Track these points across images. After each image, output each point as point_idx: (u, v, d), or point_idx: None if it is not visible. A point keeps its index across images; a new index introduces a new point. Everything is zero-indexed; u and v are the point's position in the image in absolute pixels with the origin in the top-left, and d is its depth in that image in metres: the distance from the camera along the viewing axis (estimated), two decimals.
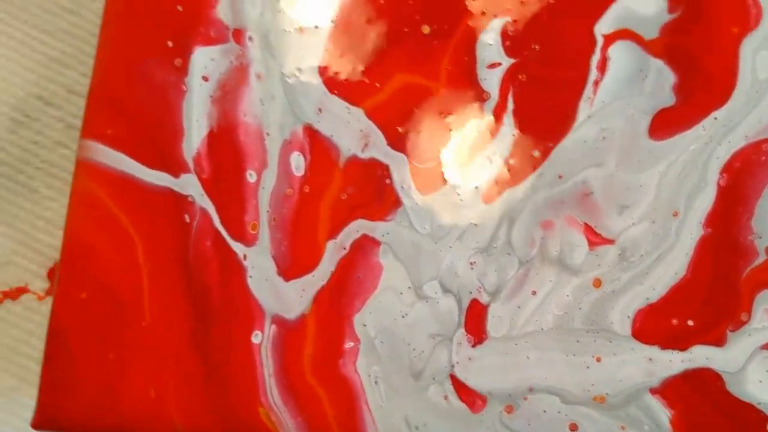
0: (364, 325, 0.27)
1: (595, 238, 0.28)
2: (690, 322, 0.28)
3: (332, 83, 0.28)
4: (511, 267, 0.28)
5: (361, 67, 0.28)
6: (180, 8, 0.28)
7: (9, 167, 0.32)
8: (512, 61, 0.29)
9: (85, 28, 0.33)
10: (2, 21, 0.32)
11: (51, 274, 0.32)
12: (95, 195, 0.27)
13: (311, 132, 0.28)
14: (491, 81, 0.29)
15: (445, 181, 0.28)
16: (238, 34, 0.28)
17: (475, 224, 0.28)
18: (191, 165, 0.27)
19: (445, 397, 0.27)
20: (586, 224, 0.28)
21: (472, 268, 0.28)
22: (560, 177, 0.29)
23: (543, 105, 0.29)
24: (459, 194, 0.28)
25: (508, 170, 0.28)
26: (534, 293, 0.28)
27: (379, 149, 0.28)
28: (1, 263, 0.32)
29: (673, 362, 0.28)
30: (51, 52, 0.32)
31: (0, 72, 0.32)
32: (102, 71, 0.27)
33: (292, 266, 0.27)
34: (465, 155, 0.28)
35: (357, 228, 0.28)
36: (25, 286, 0.32)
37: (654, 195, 0.29)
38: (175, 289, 0.27)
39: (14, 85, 0.32)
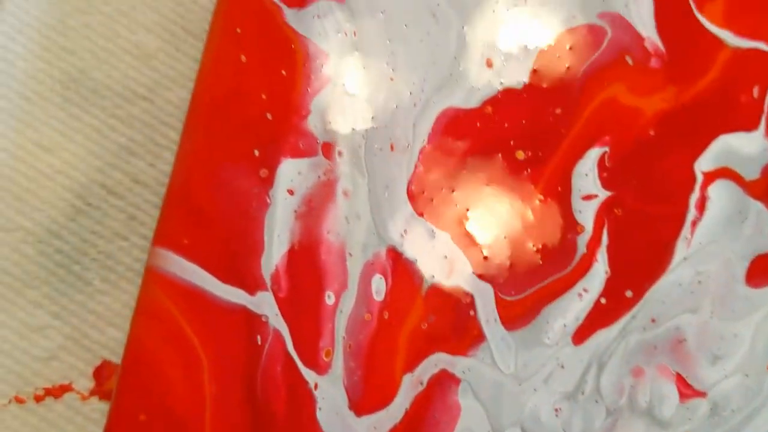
0: None
1: (686, 390, 0.27)
2: None
3: (420, 204, 0.27)
4: (599, 416, 0.26)
5: (451, 190, 0.27)
6: (269, 116, 0.26)
7: (65, 256, 0.30)
8: (608, 193, 0.28)
9: (157, 116, 0.31)
10: (77, 105, 0.31)
11: (97, 373, 0.30)
12: (163, 307, 0.25)
13: (395, 255, 0.27)
14: (586, 213, 0.27)
15: (532, 316, 0.27)
16: (328, 148, 0.27)
17: (562, 366, 0.26)
18: (268, 282, 0.26)
19: None
20: (678, 374, 0.27)
21: (557, 415, 0.26)
22: (653, 321, 0.27)
23: (638, 242, 0.27)
24: (546, 332, 0.27)
25: (600, 310, 0.27)
26: None
27: (465, 277, 0.27)
28: (45, 358, 0.30)
29: None
30: (120, 139, 0.31)
31: (66, 156, 0.31)
32: (181, 175, 0.26)
33: (364, 400, 0.26)
34: (555, 290, 0.27)
35: (436, 362, 0.26)
36: (69, 384, 0.30)
37: (749, 346, 0.27)
38: (239, 417, 0.25)
39: (78, 171, 0.31)
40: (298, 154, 0.26)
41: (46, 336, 0.30)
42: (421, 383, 0.26)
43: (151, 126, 0.32)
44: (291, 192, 0.26)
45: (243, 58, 0.27)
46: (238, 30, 0.27)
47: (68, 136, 0.31)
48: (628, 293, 0.27)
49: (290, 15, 0.27)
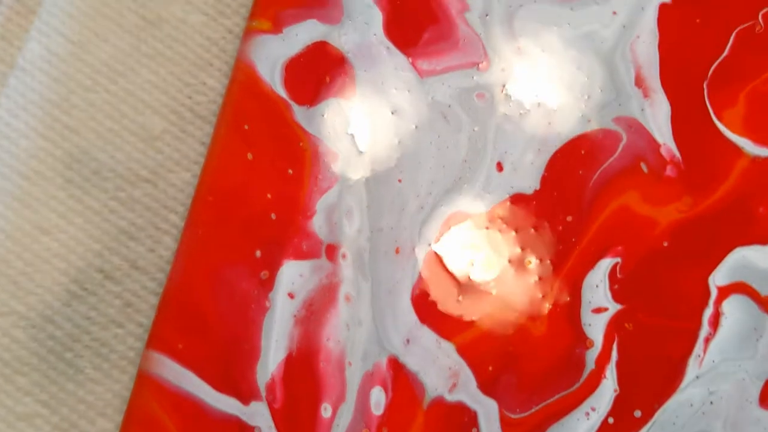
0: None
1: None
2: None
3: (424, 312, 0.26)
4: None
5: (457, 298, 0.27)
6: (274, 216, 0.26)
7: (57, 343, 0.30)
8: (619, 306, 0.27)
9: (159, 199, 0.31)
10: (78, 186, 0.31)
11: None
12: (154, 414, 0.25)
13: (396, 365, 0.26)
14: (596, 327, 0.27)
15: None
16: (332, 250, 0.26)
17: None
18: (263, 392, 0.25)
19: None
20: None
21: None
22: None
23: (649, 359, 0.27)
24: None
25: (607, 430, 0.26)
26: None
27: (468, 392, 0.26)
28: None
29: None
30: (120, 222, 0.31)
31: (64, 239, 0.31)
32: (180, 275, 0.26)
33: None
34: (562, 409, 0.26)
35: None
36: None
37: None
38: None
39: (76, 255, 0.30)
40: (300, 255, 0.26)
41: (34, 425, 0.29)
42: None
43: (153, 209, 0.31)
44: (291, 295, 0.26)
45: (249, 155, 0.26)
46: (246, 126, 0.27)
47: (68, 219, 0.31)
48: (637, 413, 0.26)
49: (299, 112, 0.27)
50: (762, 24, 0.30)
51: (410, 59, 0.28)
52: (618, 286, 0.27)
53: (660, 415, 0.26)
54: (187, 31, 0.33)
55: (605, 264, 0.27)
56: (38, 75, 0.32)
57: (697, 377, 0.27)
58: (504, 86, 0.28)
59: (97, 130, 0.32)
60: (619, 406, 0.26)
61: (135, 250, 0.31)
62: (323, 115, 0.27)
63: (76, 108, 0.32)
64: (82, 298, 0.30)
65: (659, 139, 0.28)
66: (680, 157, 0.28)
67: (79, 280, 0.30)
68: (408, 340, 0.26)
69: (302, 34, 0.28)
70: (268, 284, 0.26)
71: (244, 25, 0.31)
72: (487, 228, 0.27)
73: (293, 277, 0.26)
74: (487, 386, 0.26)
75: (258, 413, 0.25)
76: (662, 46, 0.29)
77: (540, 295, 0.27)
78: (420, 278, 0.26)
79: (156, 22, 0.33)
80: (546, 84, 0.28)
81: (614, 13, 0.29)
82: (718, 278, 0.27)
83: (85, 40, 0.33)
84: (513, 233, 0.27)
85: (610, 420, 0.26)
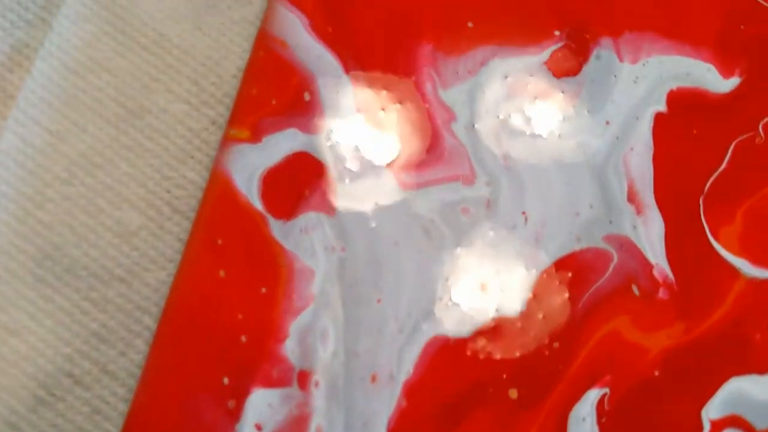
0: None
1: None
2: None
3: None
4: None
5: (437, 430, 0.25)
6: (244, 339, 0.24)
7: None
8: None
9: (133, 299, 0.29)
10: (50, 285, 0.29)
11: None
12: None
13: None
14: None
15: None
16: (304, 378, 0.24)
17: None
18: None
19: None
20: None
21: None
22: None
23: None
24: None
25: None
26: None
27: None
28: None
29: None
30: (91, 324, 0.29)
31: (32, 341, 0.29)
32: (143, 404, 0.24)
33: None
34: None
35: None
36: None
37: None
38: None
39: (45, 358, 0.29)
40: (270, 383, 0.24)
41: None
42: None
43: (125, 311, 0.29)
44: (259, 427, 0.24)
45: (222, 273, 0.25)
46: (219, 241, 0.25)
47: (37, 320, 0.29)
48: None
49: (275, 227, 0.25)
50: (762, 135, 0.28)
51: (393, 171, 0.26)
52: (606, 419, 0.25)
53: None
54: (168, 121, 0.31)
55: (593, 395, 0.25)
56: (13, 167, 0.31)
57: None
58: (489, 201, 0.26)
59: (71, 225, 0.30)
60: None
61: (106, 354, 0.29)
62: (300, 230, 0.25)
63: (51, 202, 0.30)
64: (50, 404, 0.28)
65: (652, 260, 0.27)
66: (674, 279, 0.26)
67: (47, 385, 0.29)
68: None
69: (282, 143, 0.26)
70: (236, 414, 0.24)
71: (228, 116, 0.29)
72: (469, 354, 0.25)
73: (261, 407, 0.24)
74: None
75: None
76: (657, 159, 0.28)
77: (525, 429, 0.25)
78: (397, 409, 0.25)
79: (137, 111, 0.31)
80: (533, 199, 0.27)
81: (607, 123, 0.28)
82: (711, 411, 0.26)
83: (63, 130, 0.31)
84: (497, 360, 0.25)
85: None
